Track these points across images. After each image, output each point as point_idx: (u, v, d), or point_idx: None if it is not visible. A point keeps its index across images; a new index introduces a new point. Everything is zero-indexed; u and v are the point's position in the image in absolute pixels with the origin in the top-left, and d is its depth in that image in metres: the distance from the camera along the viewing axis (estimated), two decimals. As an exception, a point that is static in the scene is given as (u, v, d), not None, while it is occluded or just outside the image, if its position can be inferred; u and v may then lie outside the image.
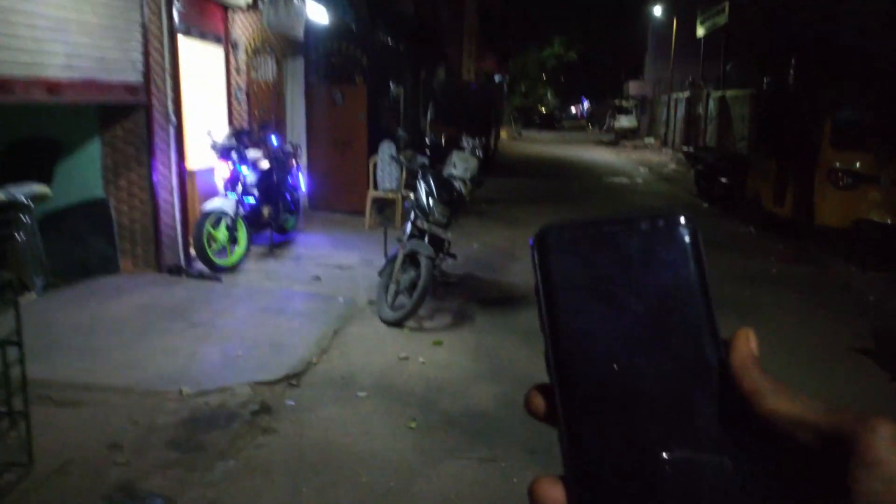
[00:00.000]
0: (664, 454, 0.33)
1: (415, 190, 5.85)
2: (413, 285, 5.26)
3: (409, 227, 5.61)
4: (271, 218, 6.96)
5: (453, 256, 6.12)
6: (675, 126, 25.73)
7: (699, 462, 0.33)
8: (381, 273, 5.49)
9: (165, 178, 6.11)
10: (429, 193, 5.63)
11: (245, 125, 7.61)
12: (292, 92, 9.39)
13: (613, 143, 28.57)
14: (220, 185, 6.39)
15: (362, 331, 5.11)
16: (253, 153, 6.69)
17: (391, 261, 5.41)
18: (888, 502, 0.29)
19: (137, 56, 5.67)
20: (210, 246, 6.15)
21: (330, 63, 9.21)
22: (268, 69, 8.61)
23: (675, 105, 25.64)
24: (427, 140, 16.40)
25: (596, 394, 0.34)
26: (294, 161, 7.71)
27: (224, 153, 6.30)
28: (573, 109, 65.69)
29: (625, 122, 29.99)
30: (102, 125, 5.91)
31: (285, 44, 8.99)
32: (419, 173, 6.04)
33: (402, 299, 5.30)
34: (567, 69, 44.46)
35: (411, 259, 5.34)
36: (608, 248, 0.36)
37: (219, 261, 6.21)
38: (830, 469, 0.31)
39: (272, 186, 6.98)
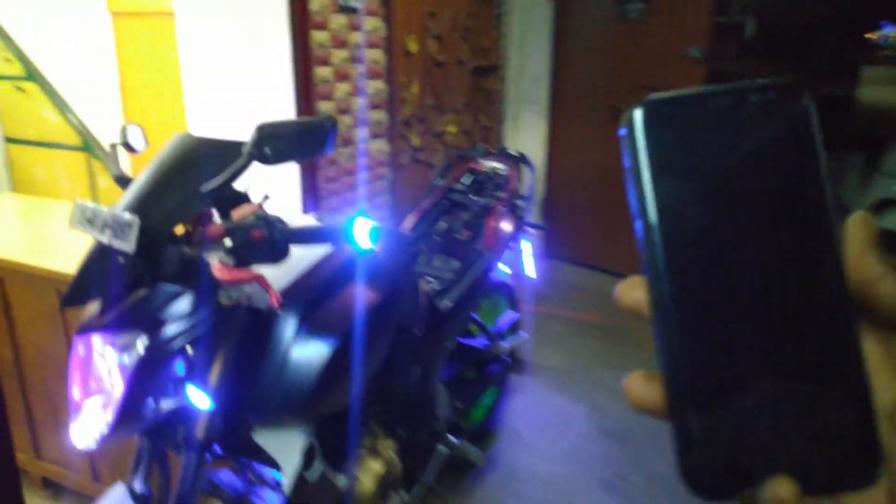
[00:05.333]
0: (773, 375, 0.30)
1: None
2: None
3: None
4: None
5: None
6: None
7: (809, 387, 0.29)
8: None
9: None
10: None
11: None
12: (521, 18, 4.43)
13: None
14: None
15: None
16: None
17: None
18: None
19: None
20: None
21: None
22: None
23: None
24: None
25: (696, 294, 0.30)
26: (518, 206, 2.76)
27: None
28: None
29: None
30: None
31: None
32: None
33: None
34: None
35: None
36: (711, 124, 0.31)
37: None
38: None
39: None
